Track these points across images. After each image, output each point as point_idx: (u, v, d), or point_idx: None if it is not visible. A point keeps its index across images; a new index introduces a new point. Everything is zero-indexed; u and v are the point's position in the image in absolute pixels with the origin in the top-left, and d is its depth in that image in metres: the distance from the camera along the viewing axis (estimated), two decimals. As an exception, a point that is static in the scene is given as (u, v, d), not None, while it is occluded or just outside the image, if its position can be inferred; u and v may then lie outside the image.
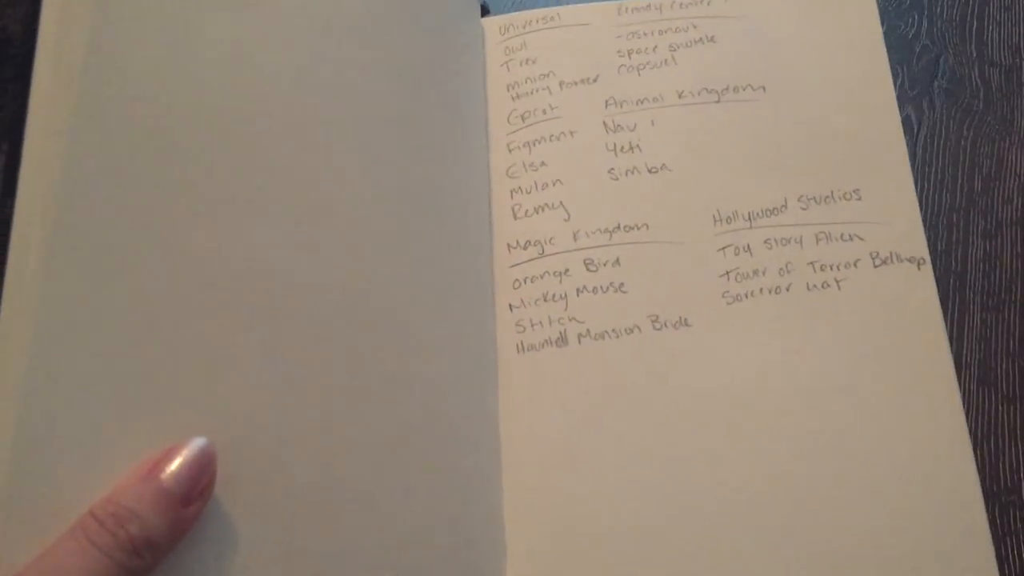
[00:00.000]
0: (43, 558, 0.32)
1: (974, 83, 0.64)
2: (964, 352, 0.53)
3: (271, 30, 0.44)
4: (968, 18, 0.67)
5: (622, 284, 0.51)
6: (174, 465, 0.35)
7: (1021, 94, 0.63)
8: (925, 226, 0.56)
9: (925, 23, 0.67)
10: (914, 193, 0.53)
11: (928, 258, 0.50)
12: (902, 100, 0.62)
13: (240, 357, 0.38)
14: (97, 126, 0.35)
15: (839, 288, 0.50)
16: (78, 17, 0.35)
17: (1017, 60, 0.64)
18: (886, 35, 0.65)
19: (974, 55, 0.65)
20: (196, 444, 0.35)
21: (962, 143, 0.61)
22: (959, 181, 0.59)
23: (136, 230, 0.36)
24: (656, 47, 0.58)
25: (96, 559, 0.32)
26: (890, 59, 0.64)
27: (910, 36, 0.66)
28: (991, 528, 0.45)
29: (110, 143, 0.36)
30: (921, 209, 0.57)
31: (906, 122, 0.61)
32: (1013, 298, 0.55)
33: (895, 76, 0.63)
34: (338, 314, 0.43)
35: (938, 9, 0.67)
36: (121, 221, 0.35)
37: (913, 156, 0.60)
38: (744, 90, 0.56)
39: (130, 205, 0.36)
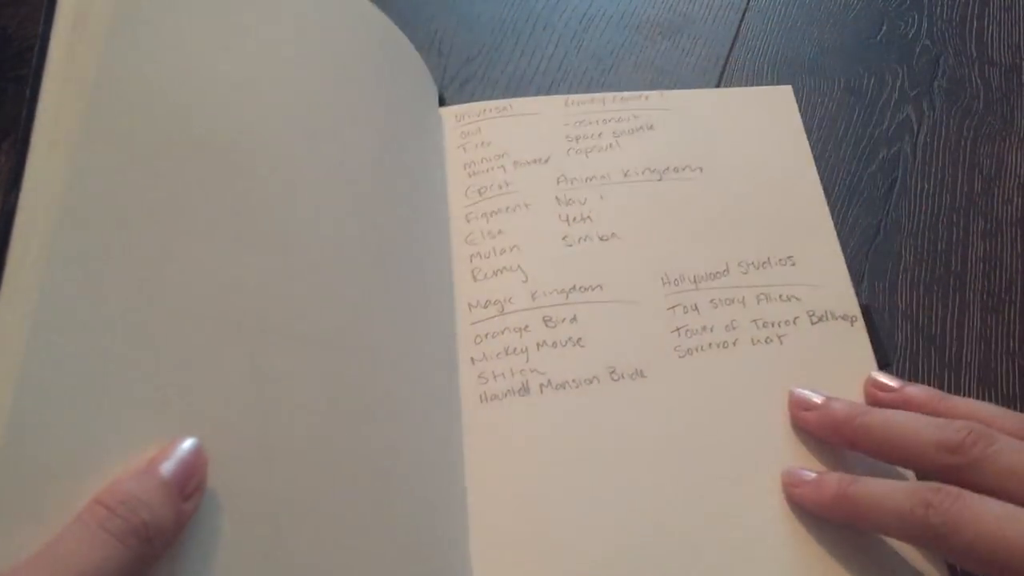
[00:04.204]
0: (52, 546, 0.31)
1: (974, 83, 0.67)
2: (964, 352, 0.55)
3: (271, 75, 0.48)
4: (968, 18, 0.71)
5: (580, 339, 0.54)
6: (171, 460, 0.35)
7: (1021, 94, 0.66)
8: (925, 226, 0.58)
9: (925, 23, 0.70)
10: (843, 259, 0.56)
11: (860, 315, 0.54)
12: (902, 100, 0.66)
13: (227, 368, 0.39)
14: (104, 135, 0.37)
15: (781, 343, 0.53)
16: (92, 31, 0.38)
17: (1017, 60, 0.68)
18: (886, 35, 0.67)
19: (974, 55, 0.68)
20: (188, 442, 0.36)
21: (962, 143, 0.64)
22: (959, 181, 0.62)
23: (135, 239, 0.37)
24: (601, 134, 0.63)
25: (109, 545, 0.31)
26: (890, 59, 0.67)
27: (910, 36, 0.69)
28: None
29: (115, 153, 0.38)
30: (922, 209, 0.59)
31: (906, 122, 0.64)
32: (1013, 298, 0.57)
33: (895, 76, 0.66)
34: (320, 343, 0.44)
35: (938, 9, 0.71)
36: (121, 229, 0.37)
37: (913, 156, 0.63)
38: (683, 170, 0.61)
39: (131, 214, 0.38)
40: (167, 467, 0.35)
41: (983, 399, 0.51)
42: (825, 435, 0.49)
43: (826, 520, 0.47)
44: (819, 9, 0.73)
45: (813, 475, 0.48)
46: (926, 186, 0.62)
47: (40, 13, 0.37)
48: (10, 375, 0.32)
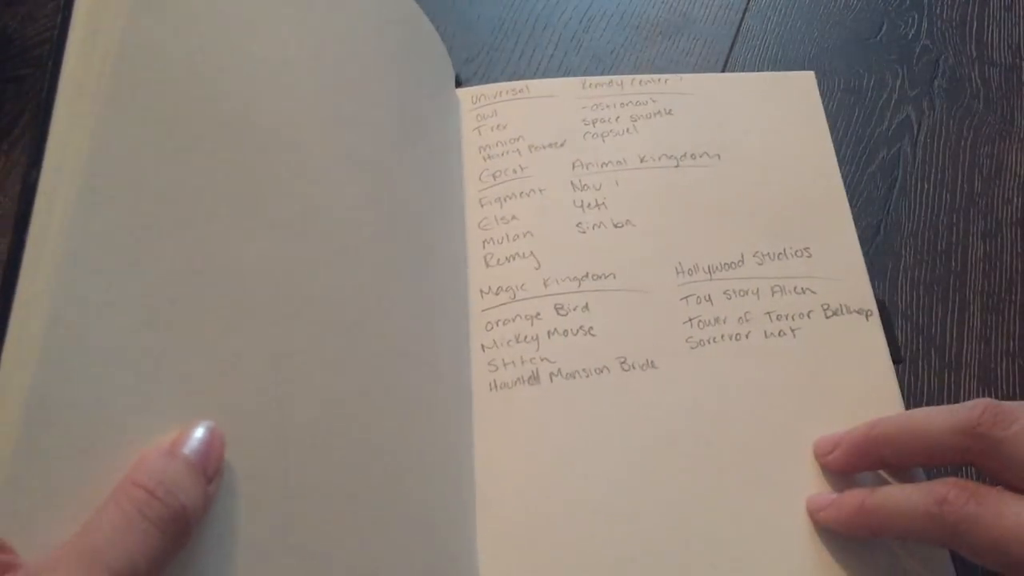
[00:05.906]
0: (87, 535, 0.30)
1: (974, 83, 0.67)
2: (964, 352, 0.55)
3: (295, 52, 0.47)
4: (968, 18, 0.71)
5: (591, 328, 0.53)
6: (192, 442, 0.34)
7: (1021, 94, 0.66)
8: (925, 226, 0.57)
9: (925, 23, 0.70)
10: (860, 251, 0.56)
11: (875, 309, 0.53)
12: (902, 100, 0.66)
13: (246, 352, 0.39)
14: (127, 110, 0.36)
15: (794, 336, 0.53)
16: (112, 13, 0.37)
17: (1017, 60, 0.68)
18: (886, 35, 0.67)
19: (974, 55, 0.68)
20: (204, 424, 0.35)
21: (962, 143, 0.63)
22: (959, 181, 0.62)
23: (155, 217, 0.36)
24: (619, 117, 0.62)
25: (148, 535, 0.30)
26: (890, 59, 0.67)
27: (910, 36, 0.69)
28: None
29: (138, 128, 0.36)
30: (922, 209, 0.59)
31: (906, 122, 0.64)
32: (1013, 298, 0.57)
33: (895, 76, 0.66)
34: (337, 328, 0.44)
35: (938, 9, 0.71)
36: (141, 207, 0.36)
37: (913, 156, 0.62)
38: (700, 157, 0.60)
39: (152, 191, 0.36)
40: (190, 449, 0.33)
41: (983, 399, 0.51)
42: (853, 461, 0.47)
43: (853, 538, 0.46)
44: (819, 9, 0.73)
45: (833, 496, 0.47)
46: (926, 186, 0.62)
47: (40, 12, 0.35)
48: (30, 356, 0.31)
